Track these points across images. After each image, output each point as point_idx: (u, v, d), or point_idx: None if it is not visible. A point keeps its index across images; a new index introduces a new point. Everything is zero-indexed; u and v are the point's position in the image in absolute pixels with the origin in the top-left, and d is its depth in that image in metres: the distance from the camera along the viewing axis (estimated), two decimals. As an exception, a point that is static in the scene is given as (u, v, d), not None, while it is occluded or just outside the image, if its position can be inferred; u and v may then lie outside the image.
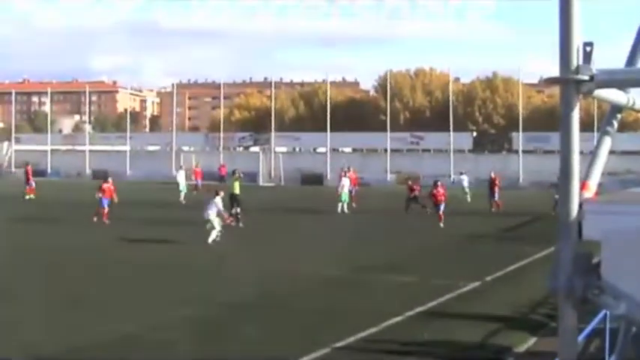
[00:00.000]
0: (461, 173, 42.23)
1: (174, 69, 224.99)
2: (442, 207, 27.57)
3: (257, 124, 77.63)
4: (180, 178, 39.33)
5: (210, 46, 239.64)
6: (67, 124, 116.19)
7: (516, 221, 28.87)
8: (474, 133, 69.34)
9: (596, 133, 8.85)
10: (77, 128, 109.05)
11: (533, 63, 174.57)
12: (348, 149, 69.32)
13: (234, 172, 29.14)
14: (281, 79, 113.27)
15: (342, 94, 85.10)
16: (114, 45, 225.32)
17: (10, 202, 35.24)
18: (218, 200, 22.25)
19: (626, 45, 2.92)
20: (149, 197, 39.10)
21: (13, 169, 64.50)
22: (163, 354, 10.45)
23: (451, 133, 58.87)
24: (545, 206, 28.69)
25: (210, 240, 21.06)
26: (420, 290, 14.69)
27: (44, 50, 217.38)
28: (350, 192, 33.77)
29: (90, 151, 68.07)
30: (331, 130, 60.75)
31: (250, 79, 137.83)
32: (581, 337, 7.90)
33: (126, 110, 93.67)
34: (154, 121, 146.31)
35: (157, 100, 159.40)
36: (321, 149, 65.01)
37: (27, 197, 38.07)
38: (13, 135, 75.09)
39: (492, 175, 34.88)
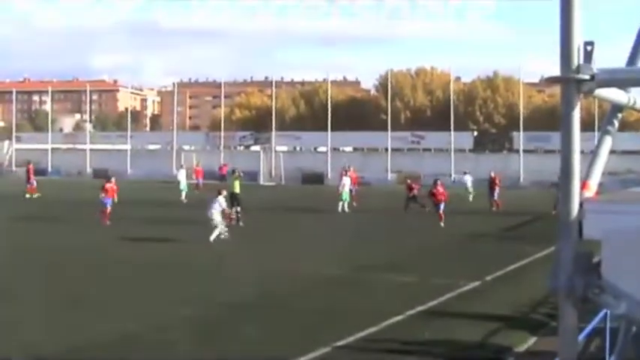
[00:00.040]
0: (464, 173, 41.88)
1: (174, 68, 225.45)
2: (442, 206, 27.43)
3: (258, 123, 77.62)
4: (181, 177, 39.39)
5: (210, 45, 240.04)
6: (67, 122, 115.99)
7: (517, 221, 28.86)
8: (475, 133, 69.30)
9: (596, 133, 8.84)
10: (78, 127, 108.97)
11: (534, 62, 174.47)
12: (348, 148, 69.23)
13: (234, 171, 29.13)
14: (282, 78, 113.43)
15: (342, 94, 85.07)
16: (114, 44, 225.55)
17: (10, 201, 35.24)
18: (221, 199, 22.35)
19: (627, 45, 2.93)
20: (150, 196, 39.08)
21: (14, 168, 64.54)
22: (163, 354, 10.45)
23: (452, 132, 58.93)
24: (545, 206, 28.71)
25: (212, 238, 21.12)
26: (420, 289, 14.69)
27: (45, 49, 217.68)
28: (350, 191, 33.78)
29: (90, 150, 68.17)
30: (332, 130, 60.81)
31: (251, 78, 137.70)
32: (581, 337, 7.89)
33: (127, 109, 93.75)
34: (155, 120, 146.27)
35: (158, 99, 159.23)
36: (322, 148, 65.03)
37: (28, 196, 38.07)
38: (14, 134, 75.17)
39: (492, 175, 34.91)
